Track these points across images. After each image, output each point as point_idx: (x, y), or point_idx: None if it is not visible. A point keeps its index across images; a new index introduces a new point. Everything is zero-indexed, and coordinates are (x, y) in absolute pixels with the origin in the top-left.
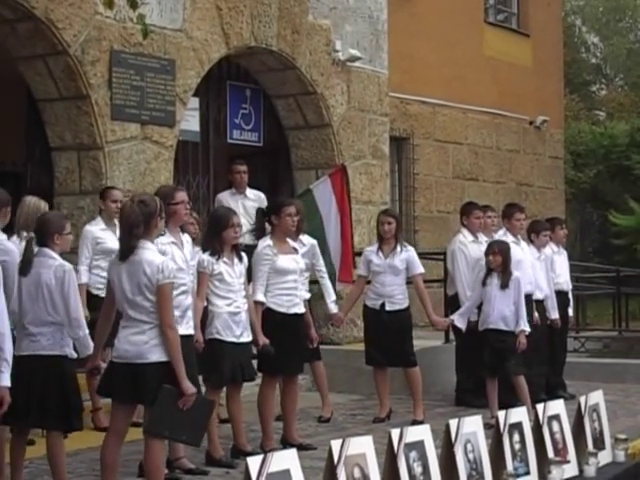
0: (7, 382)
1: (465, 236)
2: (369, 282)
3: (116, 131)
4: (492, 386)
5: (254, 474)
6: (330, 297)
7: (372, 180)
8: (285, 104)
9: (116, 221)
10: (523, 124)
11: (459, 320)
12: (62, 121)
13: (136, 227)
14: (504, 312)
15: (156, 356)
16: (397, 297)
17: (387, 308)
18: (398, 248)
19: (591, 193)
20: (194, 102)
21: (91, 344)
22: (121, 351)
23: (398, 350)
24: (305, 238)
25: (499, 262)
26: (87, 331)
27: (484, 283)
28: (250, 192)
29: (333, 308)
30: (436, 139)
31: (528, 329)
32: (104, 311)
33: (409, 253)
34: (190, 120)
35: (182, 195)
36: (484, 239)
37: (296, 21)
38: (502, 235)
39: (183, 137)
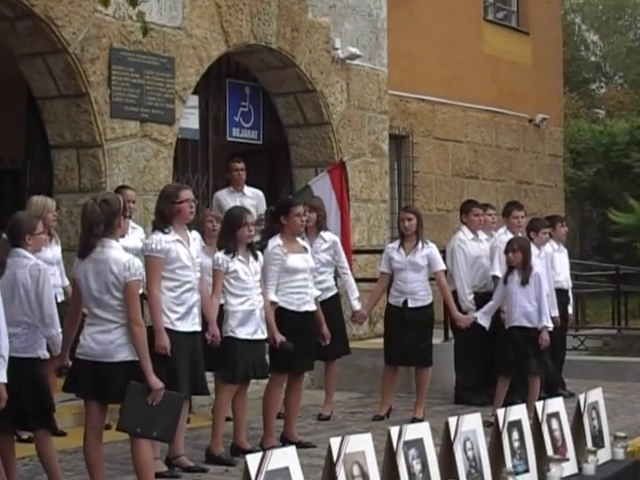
0: (3, 378)
1: (465, 234)
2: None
3: (115, 129)
4: (503, 385)
5: (253, 472)
6: (353, 294)
7: (371, 178)
8: (284, 102)
9: (129, 221)
10: (523, 122)
11: (482, 318)
12: (62, 119)
13: (96, 226)
14: (527, 308)
15: (122, 355)
16: (420, 294)
17: (410, 305)
18: (419, 245)
19: (591, 191)
20: (193, 100)
21: (59, 345)
22: (86, 348)
23: (417, 347)
24: (327, 234)
25: (519, 259)
26: (60, 329)
27: (505, 281)
28: (248, 190)
29: (356, 305)
30: (435, 137)
31: (551, 325)
32: (71, 310)
33: (431, 249)
34: (189, 118)
35: (187, 193)
36: (484, 237)
37: (295, 19)
38: (502, 233)
39: (182, 135)
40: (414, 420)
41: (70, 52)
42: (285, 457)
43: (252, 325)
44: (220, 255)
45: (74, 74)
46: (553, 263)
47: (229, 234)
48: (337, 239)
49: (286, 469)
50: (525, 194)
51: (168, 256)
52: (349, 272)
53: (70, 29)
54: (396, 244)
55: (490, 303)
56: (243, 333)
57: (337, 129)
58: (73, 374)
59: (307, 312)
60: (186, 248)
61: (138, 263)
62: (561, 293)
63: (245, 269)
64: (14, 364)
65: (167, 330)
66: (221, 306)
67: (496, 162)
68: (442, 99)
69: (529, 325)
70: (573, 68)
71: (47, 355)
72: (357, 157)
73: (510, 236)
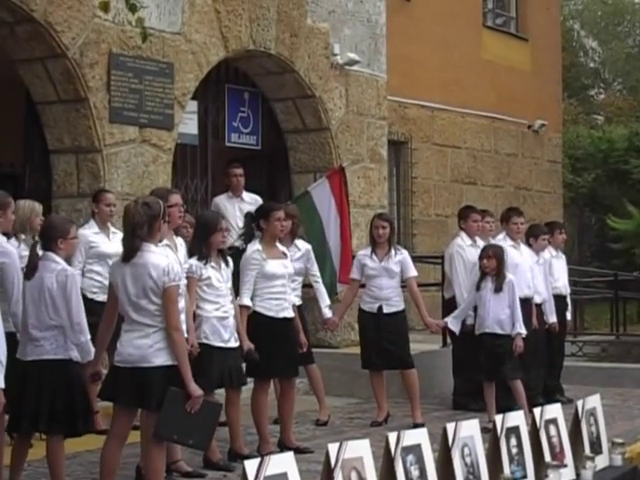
0: (1, 384)
1: (463, 239)
2: (363, 286)
3: (114, 134)
4: (490, 390)
5: (251, 477)
6: (324, 302)
7: (370, 184)
8: (283, 107)
9: (109, 225)
10: (521, 128)
11: (452, 323)
12: (61, 124)
13: (139, 228)
14: (499, 316)
15: (160, 360)
16: (394, 299)
17: (385, 311)
18: (392, 251)
19: (589, 197)
20: (192, 105)
21: (92, 350)
22: (125, 355)
23: (396, 352)
24: (300, 243)
25: (493, 266)
26: (89, 337)
27: (478, 287)
28: (247, 195)
29: (327, 312)
30: (434, 143)
31: (524, 332)
32: (106, 315)
33: (403, 256)
34: (188, 123)
35: (176, 198)
36: (482, 243)
37: (295, 24)
38: (501, 239)
39: (181, 140)
40: (415, 426)
41: (69, 57)
42: (283, 463)
43: (226, 332)
44: (193, 262)
45: (73, 79)
46: (551, 269)
47: (202, 240)
48: (310, 247)
49: (284, 475)
50: (524, 200)
51: None
52: (320, 280)
53: (69, 34)
54: (367, 251)
55: (461, 307)
56: (218, 340)
57: (336, 135)
58: (110, 382)
59: (285, 318)
60: (174, 253)
61: (177, 268)
62: (559, 299)
63: (217, 276)
64: (46, 366)
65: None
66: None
67: (495, 168)
68: (441, 105)
69: (501, 332)
70: (572, 74)
71: (79, 357)
72: (356, 163)
73: (509, 242)
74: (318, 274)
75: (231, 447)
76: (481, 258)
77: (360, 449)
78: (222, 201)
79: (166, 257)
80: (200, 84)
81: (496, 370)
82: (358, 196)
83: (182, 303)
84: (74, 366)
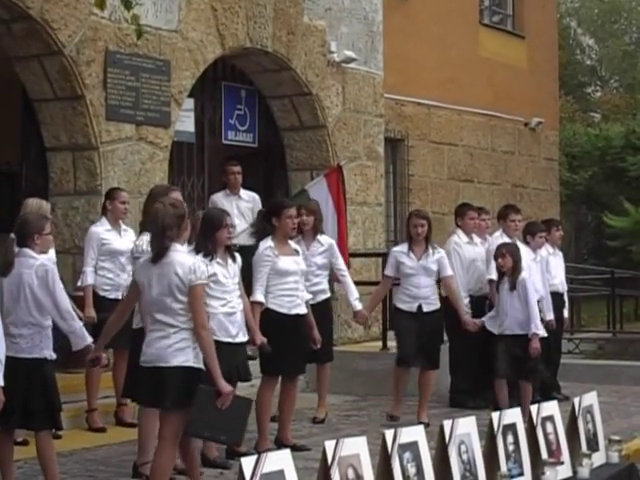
0: (0, 382)
1: (460, 237)
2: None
3: (111, 131)
4: (501, 385)
5: (248, 474)
6: (353, 294)
7: (367, 181)
8: (280, 105)
9: (121, 222)
10: (518, 126)
11: (489, 323)
12: (57, 121)
13: (169, 229)
14: (517, 315)
15: (177, 360)
16: (432, 298)
17: (425, 310)
18: (430, 250)
19: (586, 195)
20: (189, 103)
21: (87, 335)
22: (147, 355)
23: (431, 351)
24: (323, 238)
25: (509, 264)
26: (82, 323)
27: (497, 288)
28: (244, 193)
29: (357, 305)
30: (431, 140)
31: (541, 332)
32: (120, 308)
33: (441, 254)
34: (185, 121)
35: (176, 195)
36: (478, 240)
37: (291, 22)
38: (498, 236)
39: (178, 138)
40: (422, 425)
41: (66, 54)
42: (280, 460)
43: (233, 328)
44: (199, 258)
45: (70, 76)
46: (548, 266)
47: (208, 236)
48: (334, 242)
49: (281, 472)
50: (520, 197)
51: None
52: (347, 274)
53: (66, 32)
54: (404, 248)
55: (495, 308)
56: (225, 336)
57: (333, 132)
58: (132, 380)
59: (298, 315)
60: None
61: (203, 267)
62: (556, 296)
63: (224, 272)
64: (20, 364)
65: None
66: None
67: (491, 165)
68: (438, 102)
69: (520, 332)
70: (569, 72)
71: (53, 356)
72: (353, 160)
73: (506, 239)
74: (344, 267)
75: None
76: (496, 258)
77: (357, 446)
78: (219, 199)
79: (193, 256)
80: (197, 82)
81: (514, 370)
82: (355, 194)
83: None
84: (48, 365)
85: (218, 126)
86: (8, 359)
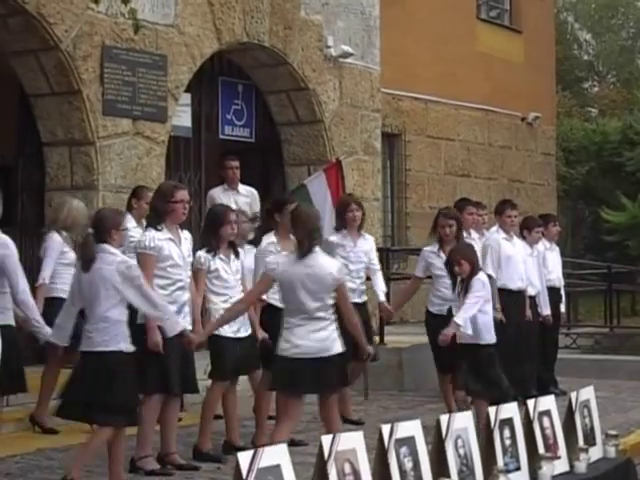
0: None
1: None
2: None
3: (108, 126)
4: (445, 380)
5: (245, 469)
6: (380, 288)
7: (364, 176)
8: (277, 100)
9: (144, 221)
10: (515, 120)
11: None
12: (54, 116)
13: (316, 231)
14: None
15: (336, 348)
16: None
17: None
18: None
19: (583, 190)
20: (186, 98)
21: (179, 322)
22: (304, 347)
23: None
24: (366, 234)
25: (467, 269)
26: (167, 307)
27: (459, 295)
28: (242, 188)
29: (381, 296)
30: (428, 135)
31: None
32: (248, 298)
33: None
34: (182, 116)
35: (182, 194)
36: (476, 236)
37: (288, 17)
38: (495, 231)
39: (175, 133)
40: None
41: (62, 49)
42: (277, 455)
43: (235, 323)
44: (202, 254)
45: (66, 71)
46: (545, 262)
47: (212, 232)
48: (372, 238)
49: (277, 467)
50: (517, 192)
51: (160, 254)
52: (378, 267)
53: (62, 26)
54: (435, 248)
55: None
56: (228, 331)
57: (330, 127)
58: (287, 372)
59: None
60: (178, 247)
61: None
62: (553, 291)
63: (226, 268)
64: (96, 358)
65: (159, 328)
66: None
67: (488, 160)
68: (435, 97)
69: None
70: (566, 67)
71: (130, 348)
72: (350, 155)
73: (502, 235)
74: (377, 261)
75: (226, 439)
76: (451, 265)
77: (353, 441)
78: (217, 194)
79: (158, 250)
80: (193, 76)
81: (473, 381)
82: (352, 188)
83: (187, 295)
84: (124, 357)
85: (215, 121)
86: (85, 354)
